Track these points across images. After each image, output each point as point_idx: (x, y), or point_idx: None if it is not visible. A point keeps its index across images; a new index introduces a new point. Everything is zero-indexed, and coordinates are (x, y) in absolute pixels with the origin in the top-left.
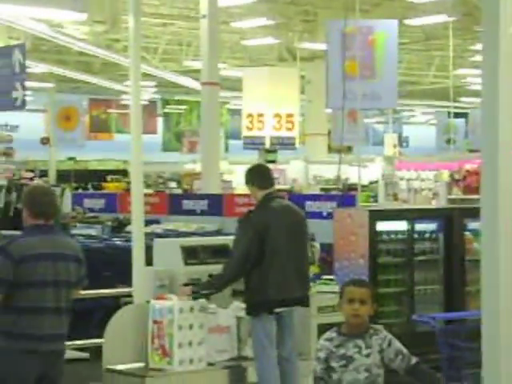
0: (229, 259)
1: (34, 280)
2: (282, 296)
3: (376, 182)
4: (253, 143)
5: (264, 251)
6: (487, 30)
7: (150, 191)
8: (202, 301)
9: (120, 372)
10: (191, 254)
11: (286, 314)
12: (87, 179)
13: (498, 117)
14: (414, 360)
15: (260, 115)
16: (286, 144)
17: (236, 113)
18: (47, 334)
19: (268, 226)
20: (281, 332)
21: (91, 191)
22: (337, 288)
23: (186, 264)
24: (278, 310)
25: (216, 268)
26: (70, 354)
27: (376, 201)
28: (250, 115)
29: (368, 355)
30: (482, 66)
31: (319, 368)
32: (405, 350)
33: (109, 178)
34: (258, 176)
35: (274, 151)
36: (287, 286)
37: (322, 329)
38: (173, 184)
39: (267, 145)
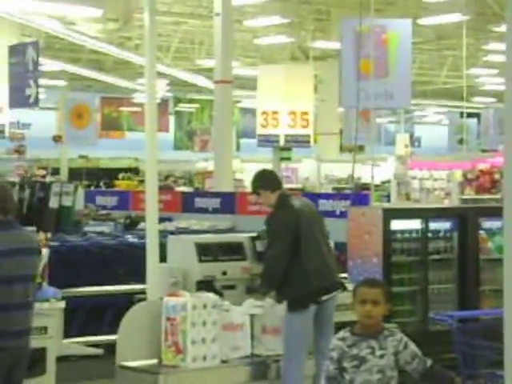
0: (265, 260)
1: (1, 276)
2: (324, 283)
3: (388, 181)
4: (267, 141)
5: (299, 246)
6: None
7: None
8: (216, 298)
9: (133, 369)
10: (205, 251)
11: (329, 302)
12: (99, 177)
13: None
14: (429, 362)
15: (274, 113)
16: (301, 141)
17: (247, 112)
18: (16, 330)
19: (298, 221)
20: (322, 326)
21: (103, 189)
22: (351, 286)
23: (200, 261)
24: (323, 298)
25: (230, 265)
26: (83, 351)
27: (388, 200)
28: (264, 113)
29: (382, 356)
30: (506, 63)
31: (332, 368)
32: (420, 353)
33: (120, 175)
34: (267, 180)
35: (288, 149)
36: (327, 272)
37: (337, 327)
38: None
39: (282, 142)
